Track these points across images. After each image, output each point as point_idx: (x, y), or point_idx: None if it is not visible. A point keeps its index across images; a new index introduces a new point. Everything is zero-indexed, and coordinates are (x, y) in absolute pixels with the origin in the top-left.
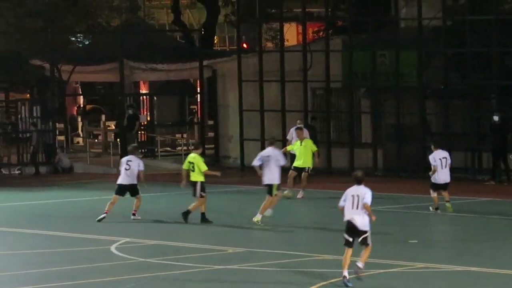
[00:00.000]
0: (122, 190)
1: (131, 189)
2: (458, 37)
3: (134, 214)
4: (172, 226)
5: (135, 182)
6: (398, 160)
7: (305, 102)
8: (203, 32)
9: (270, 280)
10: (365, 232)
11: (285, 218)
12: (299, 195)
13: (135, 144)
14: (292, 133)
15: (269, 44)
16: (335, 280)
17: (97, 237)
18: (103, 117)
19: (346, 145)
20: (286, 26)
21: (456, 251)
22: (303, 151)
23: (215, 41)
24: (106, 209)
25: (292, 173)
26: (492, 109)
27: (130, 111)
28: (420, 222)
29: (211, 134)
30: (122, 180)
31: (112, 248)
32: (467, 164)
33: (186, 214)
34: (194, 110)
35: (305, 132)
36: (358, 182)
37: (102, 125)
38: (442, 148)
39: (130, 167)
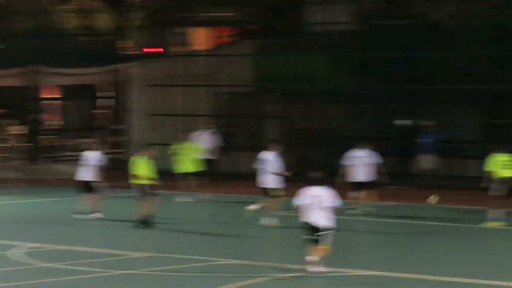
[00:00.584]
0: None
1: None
2: (368, 41)
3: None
4: (73, 230)
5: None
6: (308, 165)
7: (214, 107)
8: (113, 37)
9: (172, 285)
10: (324, 230)
11: (191, 222)
12: (188, 199)
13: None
14: (200, 137)
15: (179, 49)
16: (242, 284)
17: None
18: (11, 121)
19: (253, 150)
20: (196, 30)
21: (367, 255)
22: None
23: (126, 46)
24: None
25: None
26: (401, 114)
27: (35, 116)
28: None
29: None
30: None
31: (9, 253)
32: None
33: (143, 221)
34: (97, 115)
35: (210, 138)
36: (317, 183)
37: (10, 130)
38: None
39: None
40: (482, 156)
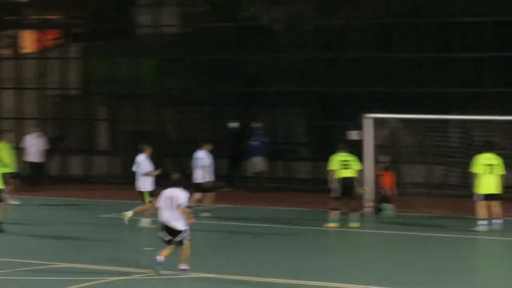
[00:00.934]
0: None
1: None
2: (197, 44)
3: None
4: None
5: None
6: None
7: (43, 110)
8: None
9: None
10: (180, 232)
11: (21, 225)
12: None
13: None
14: (27, 141)
15: (7, 52)
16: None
17: None
18: None
19: (83, 153)
20: (23, 33)
21: (194, 258)
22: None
23: None
24: None
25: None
26: (230, 116)
27: None
28: (155, 229)
29: None
30: None
31: None
32: None
33: None
34: None
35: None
36: (175, 185)
37: None
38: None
39: None
40: (311, 158)
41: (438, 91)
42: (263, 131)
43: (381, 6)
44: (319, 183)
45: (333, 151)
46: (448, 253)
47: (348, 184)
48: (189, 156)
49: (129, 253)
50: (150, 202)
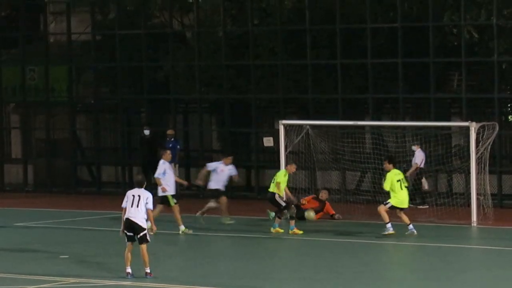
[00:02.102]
0: None
1: None
2: (108, 51)
3: None
4: None
5: None
6: (49, 175)
7: None
8: None
9: None
10: (144, 229)
11: None
12: None
13: None
14: None
15: None
16: None
17: None
18: None
19: None
20: None
21: (106, 266)
22: None
23: None
24: None
25: None
26: (142, 123)
27: None
28: (72, 237)
29: None
30: None
31: None
32: (118, 178)
33: None
34: None
35: None
36: (139, 185)
37: None
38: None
39: None
40: None
41: (352, 97)
42: (175, 138)
43: (294, 12)
44: (234, 190)
45: (247, 157)
46: (350, 258)
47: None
48: (103, 163)
49: (44, 261)
50: (175, 203)
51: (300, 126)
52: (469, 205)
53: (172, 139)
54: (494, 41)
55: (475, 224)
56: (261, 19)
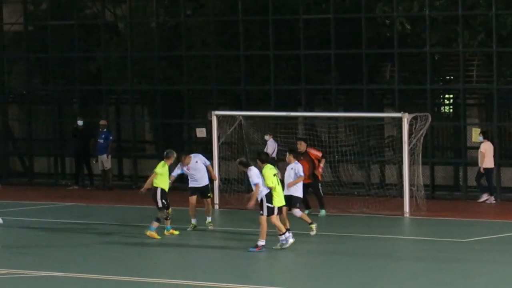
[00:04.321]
0: None
1: None
2: (40, 42)
3: None
4: None
5: None
6: None
7: None
8: None
9: None
10: None
11: None
12: None
13: None
14: None
15: None
16: None
17: None
18: None
19: None
20: None
21: (39, 257)
22: None
23: None
24: None
25: None
26: (75, 114)
27: None
28: (3, 228)
29: None
30: None
31: None
32: (50, 169)
33: None
34: None
35: None
36: (245, 165)
37: None
38: None
39: None
40: (157, 156)
41: (284, 88)
42: (108, 129)
43: (226, 3)
44: None
45: (179, 148)
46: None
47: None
48: (35, 154)
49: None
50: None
51: (233, 117)
52: (401, 196)
53: (105, 130)
54: (427, 33)
55: (407, 215)
56: (193, 10)
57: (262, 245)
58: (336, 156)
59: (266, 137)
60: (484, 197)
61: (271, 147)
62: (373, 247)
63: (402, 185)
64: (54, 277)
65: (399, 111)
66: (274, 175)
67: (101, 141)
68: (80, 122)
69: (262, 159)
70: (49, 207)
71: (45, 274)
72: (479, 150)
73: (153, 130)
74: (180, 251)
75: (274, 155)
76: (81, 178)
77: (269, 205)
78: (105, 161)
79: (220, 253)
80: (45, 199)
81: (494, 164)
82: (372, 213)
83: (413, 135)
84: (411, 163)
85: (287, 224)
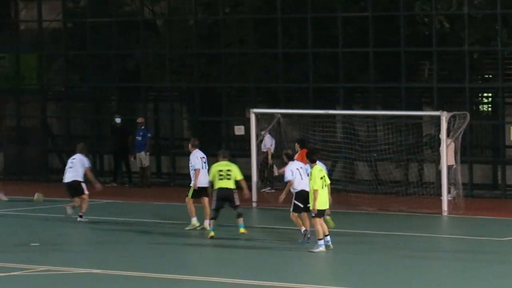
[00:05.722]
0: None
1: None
2: (79, 39)
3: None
4: None
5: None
6: (20, 163)
7: None
8: None
9: None
10: None
11: None
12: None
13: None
14: None
15: None
16: None
17: None
18: None
19: None
20: None
21: (78, 254)
22: None
23: None
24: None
25: None
26: (113, 111)
27: None
28: (42, 224)
29: None
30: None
31: None
32: None
33: None
34: None
35: None
36: (290, 158)
37: None
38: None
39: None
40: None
41: (323, 86)
42: (146, 126)
43: (265, 1)
44: None
45: (217, 146)
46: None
47: (226, 196)
48: (74, 151)
49: (14, 249)
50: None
51: (271, 114)
52: (440, 194)
53: (143, 127)
54: (465, 31)
55: (446, 214)
56: (232, 7)
57: (320, 245)
58: (374, 155)
59: (263, 133)
60: None
61: (268, 143)
62: (411, 245)
63: (440, 184)
64: (92, 274)
65: (437, 110)
66: (322, 177)
67: (139, 138)
68: (118, 120)
69: (312, 159)
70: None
71: (84, 271)
72: None
73: (191, 128)
74: (217, 249)
75: (272, 150)
76: (120, 176)
77: (297, 203)
78: (143, 158)
79: (258, 252)
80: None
81: None
82: (410, 212)
83: (451, 134)
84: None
85: (307, 225)
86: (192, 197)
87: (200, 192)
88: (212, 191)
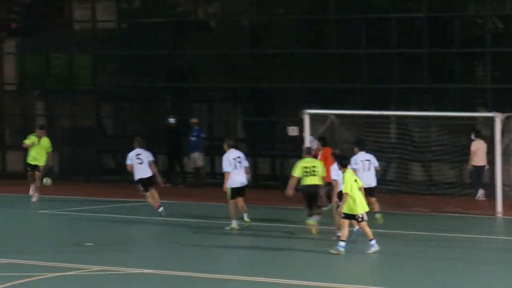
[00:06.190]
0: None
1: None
2: (131, 39)
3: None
4: None
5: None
6: (74, 163)
7: None
8: None
9: None
10: None
11: None
12: (34, 198)
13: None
14: None
15: None
16: (9, 284)
17: None
18: None
19: (20, 149)
20: None
21: (132, 254)
22: (38, 149)
23: None
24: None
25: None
26: (167, 112)
27: None
28: (96, 224)
29: None
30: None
31: None
32: None
33: None
34: None
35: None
36: (308, 152)
37: None
38: (366, 151)
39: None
40: (248, 154)
41: (375, 87)
42: (200, 126)
43: (317, 1)
44: (257, 179)
45: (270, 146)
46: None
47: (312, 192)
48: (128, 151)
49: (69, 248)
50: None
51: (325, 115)
52: (493, 195)
53: (196, 128)
54: None
55: (500, 215)
56: (284, 8)
57: (341, 246)
58: (428, 156)
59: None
60: None
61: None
62: (465, 247)
63: (494, 185)
64: (146, 274)
65: (491, 111)
66: (355, 180)
67: (193, 138)
68: (171, 120)
69: (343, 163)
70: (140, 204)
71: (137, 271)
72: None
73: (245, 128)
74: (267, 250)
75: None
76: (174, 176)
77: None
78: (197, 158)
79: (313, 253)
80: (137, 197)
81: None
82: (464, 213)
83: (505, 135)
84: (504, 163)
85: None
86: (231, 198)
87: (237, 192)
88: (299, 188)
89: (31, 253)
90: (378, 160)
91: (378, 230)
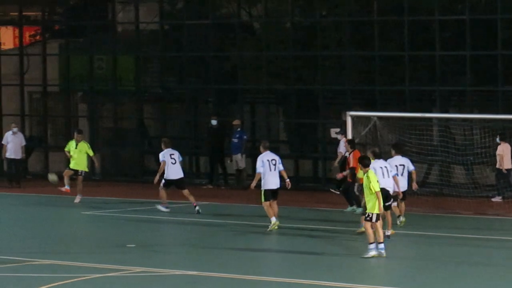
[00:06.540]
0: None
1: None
2: (175, 41)
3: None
4: None
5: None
6: (116, 164)
7: (22, 106)
8: None
9: None
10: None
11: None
12: (77, 199)
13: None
14: (6, 137)
15: None
16: (54, 285)
17: None
18: None
19: (63, 150)
20: (3, 30)
21: (174, 256)
22: (78, 154)
23: None
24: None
25: (68, 172)
26: (210, 113)
27: None
28: (138, 226)
29: None
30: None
31: None
32: (185, 168)
33: None
34: None
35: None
36: (378, 156)
37: None
38: (402, 155)
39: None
40: (291, 156)
41: (418, 89)
42: (242, 128)
43: (361, 3)
44: (299, 181)
45: (313, 148)
46: (416, 249)
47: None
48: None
49: (111, 250)
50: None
51: (367, 117)
52: None
53: (239, 129)
54: None
55: None
56: (328, 10)
57: (372, 249)
58: (471, 158)
59: (339, 136)
60: None
61: (343, 146)
62: (506, 251)
63: None
64: (187, 276)
65: None
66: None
67: (235, 140)
68: (214, 122)
69: (365, 163)
70: (183, 206)
71: (178, 273)
72: None
73: (287, 130)
74: (302, 252)
75: (347, 154)
76: (216, 178)
77: None
78: (239, 160)
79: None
80: (178, 198)
81: None
82: (506, 216)
83: None
84: None
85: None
86: (265, 200)
87: (271, 194)
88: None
89: (73, 254)
90: (420, 163)
91: (425, 233)
